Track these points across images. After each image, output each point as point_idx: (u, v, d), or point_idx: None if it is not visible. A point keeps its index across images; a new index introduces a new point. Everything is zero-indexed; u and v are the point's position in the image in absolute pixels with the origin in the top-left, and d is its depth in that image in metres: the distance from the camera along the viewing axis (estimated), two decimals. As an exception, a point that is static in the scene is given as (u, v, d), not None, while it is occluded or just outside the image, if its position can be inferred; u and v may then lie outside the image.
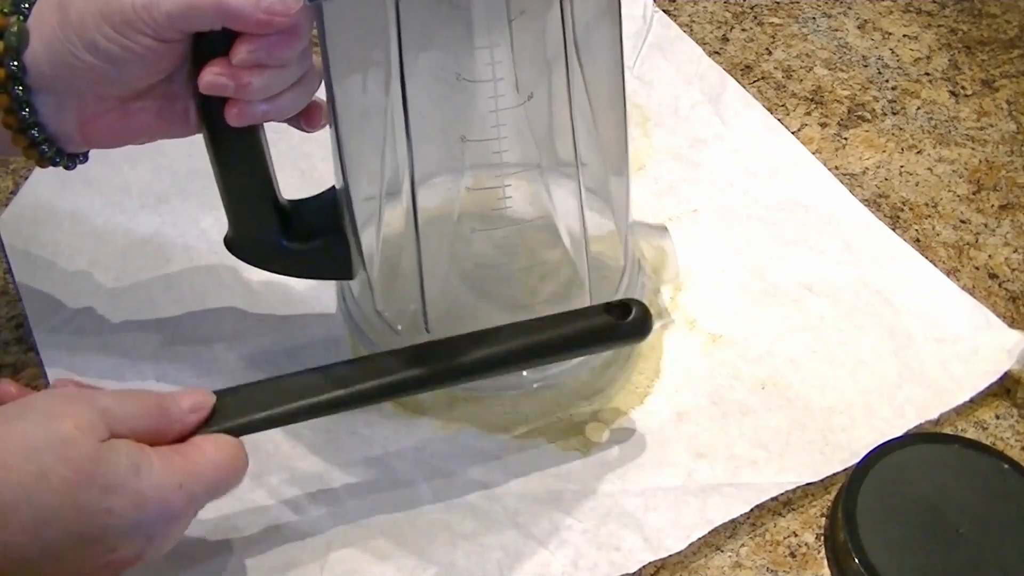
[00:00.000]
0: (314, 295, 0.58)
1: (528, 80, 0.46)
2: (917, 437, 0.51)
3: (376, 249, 0.50)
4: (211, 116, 0.45)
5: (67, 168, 0.49)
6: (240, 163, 0.48)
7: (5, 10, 0.45)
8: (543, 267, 0.53)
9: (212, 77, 0.43)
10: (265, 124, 0.47)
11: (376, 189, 0.49)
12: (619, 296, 0.53)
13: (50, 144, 0.47)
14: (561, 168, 0.48)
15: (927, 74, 0.72)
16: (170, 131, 0.48)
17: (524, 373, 0.51)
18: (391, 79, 0.44)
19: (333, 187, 0.50)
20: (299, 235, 0.50)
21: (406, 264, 0.49)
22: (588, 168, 0.48)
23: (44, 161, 0.48)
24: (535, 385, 0.53)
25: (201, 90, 0.43)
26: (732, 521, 0.48)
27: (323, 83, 0.46)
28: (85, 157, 0.50)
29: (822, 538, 0.48)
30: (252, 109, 0.44)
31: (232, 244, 0.51)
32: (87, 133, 0.47)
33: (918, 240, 0.61)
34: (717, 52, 0.74)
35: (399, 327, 0.51)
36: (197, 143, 0.66)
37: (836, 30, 0.76)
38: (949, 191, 0.65)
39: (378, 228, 0.50)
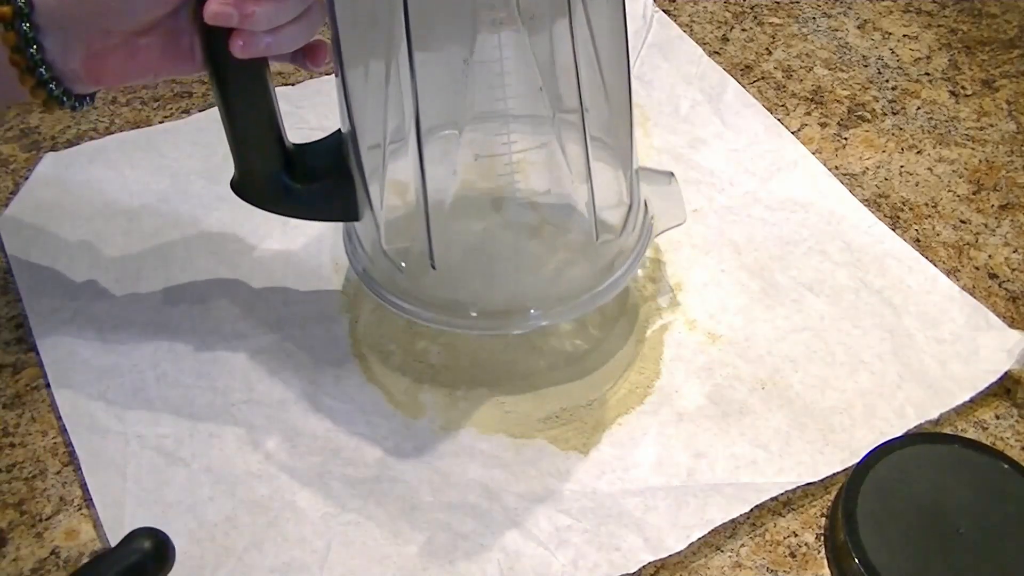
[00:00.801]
0: (315, 295, 0.58)
1: (530, 6, 0.46)
2: (917, 437, 0.51)
3: (381, 188, 0.50)
4: (216, 51, 0.45)
5: (73, 109, 0.49)
6: (245, 100, 0.48)
7: None
8: (546, 204, 0.53)
9: (217, 7, 0.43)
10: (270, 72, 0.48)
11: (381, 134, 0.49)
12: (624, 235, 0.52)
13: (57, 83, 0.47)
14: (564, 114, 0.49)
15: (927, 74, 0.72)
16: (176, 68, 0.48)
17: (532, 310, 0.51)
18: (395, 11, 0.44)
19: (338, 130, 0.50)
20: (305, 176, 0.50)
21: (411, 203, 0.50)
22: (591, 113, 0.49)
23: (51, 102, 0.48)
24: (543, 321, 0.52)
25: (206, 20, 0.44)
26: (732, 521, 0.48)
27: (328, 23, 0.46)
28: (92, 99, 0.50)
29: (822, 538, 0.48)
30: (256, 41, 0.45)
31: (238, 186, 0.51)
32: (94, 71, 0.47)
33: (918, 240, 0.61)
34: (717, 52, 0.74)
35: (403, 264, 0.52)
36: (197, 143, 0.66)
37: (836, 30, 0.76)
38: (949, 191, 0.64)
39: (383, 167, 0.50)
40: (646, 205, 0.54)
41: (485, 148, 0.50)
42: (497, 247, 0.52)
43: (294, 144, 0.51)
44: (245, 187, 0.51)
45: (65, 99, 0.48)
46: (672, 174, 0.56)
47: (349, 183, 0.50)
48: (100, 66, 0.47)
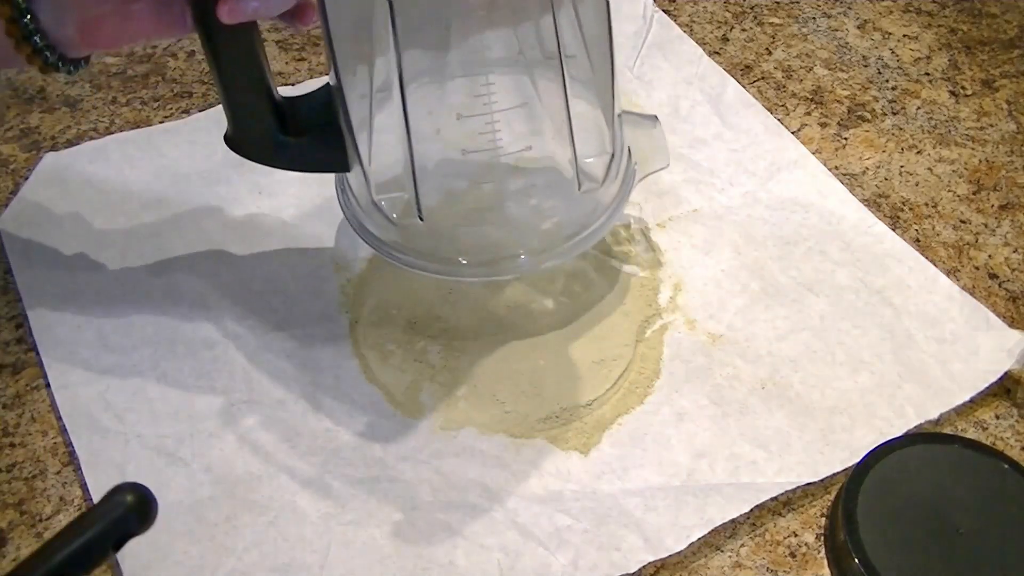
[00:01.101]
0: (315, 295, 0.58)
1: None
2: (917, 437, 0.51)
3: (369, 142, 0.51)
4: (205, 14, 0.46)
5: (68, 73, 0.50)
6: (235, 61, 0.49)
7: None
8: (528, 158, 0.53)
9: None
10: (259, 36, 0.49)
11: (367, 86, 0.50)
12: (607, 183, 0.53)
13: (52, 50, 0.48)
14: (544, 62, 0.50)
15: (927, 74, 0.72)
16: (167, 32, 0.50)
17: (521, 256, 0.52)
18: None
19: (327, 84, 0.51)
20: (295, 130, 0.52)
21: (398, 155, 0.50)
22: (570, 62, 0.49)
23: (47, 68, 0.49)
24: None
25: None
26: (732, 521, 0.48)
27: None
28: (86, 61, 0.51)
29: (822, 538, 0.48)
30: (243, 5, 0.45)
31: (232, 141, 0.52)
32: (88, 37, 0.48)
33: (918, 240, 0.61)
34: (717, 52, 0.74)
35: (394, 215, 0.52)
36: (197, 143, 0.66)
37: (836, 30, 0.76)
38: (949, 191, 0.64)
39: (370, 122, 0.51)
40: (630, 151, 0.55)
41: (467, 108, 0.50)
42: (482, 201, 0.53)
43: (285, 97, 0.52)
44: (239, 143, 0.52)
45: (60, 64, 0.49)
46: (656, 118, 0.56)
47: (338, 135, 0.51)
48: (94, 32, 0.48)
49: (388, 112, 0.50)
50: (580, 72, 0.50)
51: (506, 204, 0.53)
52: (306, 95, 0.53)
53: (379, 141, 0.51)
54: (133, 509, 0.42)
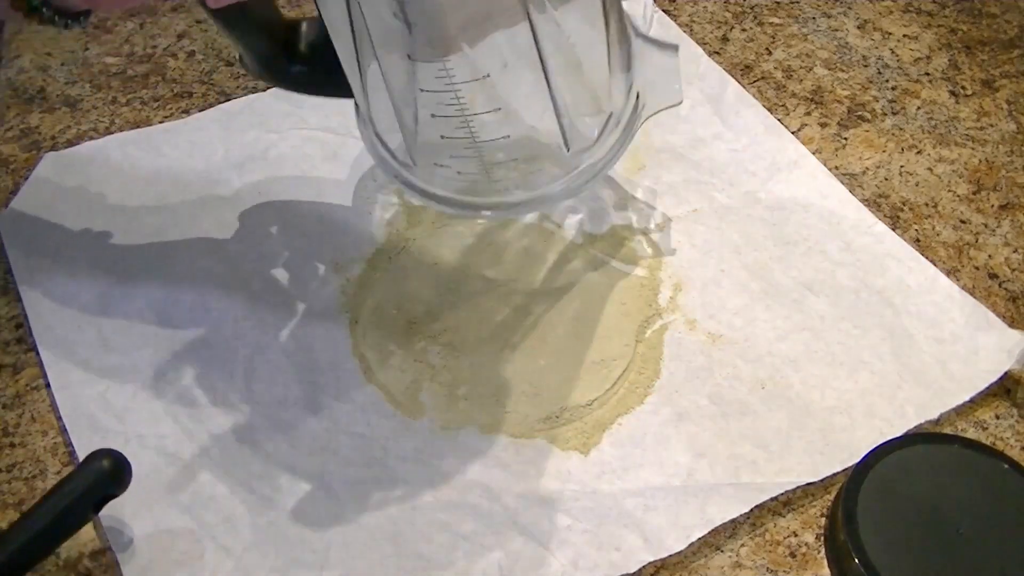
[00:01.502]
0: (315, 295, 0.58)
1: None
2: (917, 437, 0.51)
3: (360, 84, 0.52)
4: None
5: (81, 26, 0.52)
6: (231, 12, 0.50)
7: None
8: (513, 140, 0.53)
9: None
10: None
11: (352, 42, 0.50)
12: (601, 142, 0.54)
13: (61, 14, 0.51)
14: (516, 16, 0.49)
15: (927, 74, 0.72)
16: None
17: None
18: None
19: None
20: (300, 57, 0.53)
21: (385, 98, 0.51)
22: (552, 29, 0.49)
23: (57, 26, 0.51)
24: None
25: None
26: (732, 521, 0.48)
27: None
28: (89, 12, 0.53)
29: (822, 538, 0.48)
30: None
31: (242, 64, 0.54)
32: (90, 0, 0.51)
33: (918, 240, 0.61)
34: (717, 52, 0.74)
35: (395, 152, 0.54)
36: (197, 143, 0.66)
37: (836, 30, 0.76)
38: (949, 191, 0.64)
39: (360, 68, 0.51)
40: (638, 96, 0.54)
41: (441, 110, 0.50)
42: (474, 170, 0.54)
43: (292, 22, 0.53)
44: (247, 66, 0.54)
45: (69, 22, 0.51)
46: (676, 48, 0.54)
47: (339, 65, 0.52)
48: None
49: (370, 62, 0.50)
50: (557, 37, 0.49)
51: (495, 175, 0.54)
52: (312, 21, 0.53)
53: (369, 84, 0.51)
54: (109, 472, 0.46)
